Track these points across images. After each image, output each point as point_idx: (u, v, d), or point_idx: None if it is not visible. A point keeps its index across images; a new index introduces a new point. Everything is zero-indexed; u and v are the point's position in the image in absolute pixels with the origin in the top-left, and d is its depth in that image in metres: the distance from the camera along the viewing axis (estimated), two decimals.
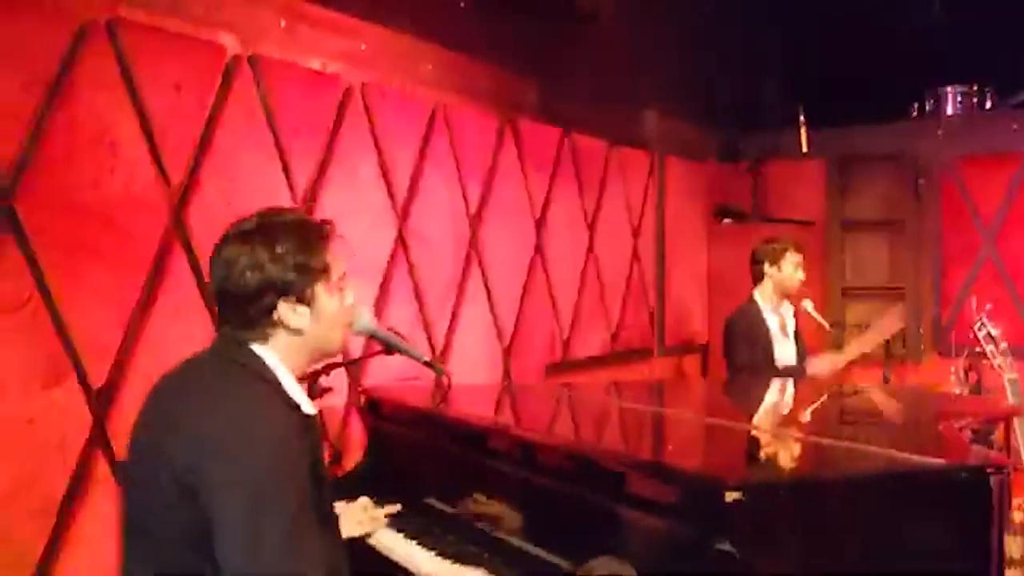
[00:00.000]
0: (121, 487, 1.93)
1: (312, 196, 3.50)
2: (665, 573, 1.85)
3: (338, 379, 3.27)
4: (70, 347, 2.73)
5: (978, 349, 4.17)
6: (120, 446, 2.79)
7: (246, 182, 3.24)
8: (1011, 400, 4.04)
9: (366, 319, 2.54)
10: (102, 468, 2.80)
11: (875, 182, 6.10)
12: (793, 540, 1.80)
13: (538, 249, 4.72)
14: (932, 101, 5.94)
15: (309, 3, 3.53)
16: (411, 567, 2.33)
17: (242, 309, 1.86)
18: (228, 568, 1.68)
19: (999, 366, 4.07)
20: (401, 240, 3.90)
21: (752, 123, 6.34)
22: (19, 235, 2.62)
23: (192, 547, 1.71)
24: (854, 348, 4.61)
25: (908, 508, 1.95)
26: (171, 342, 2.91)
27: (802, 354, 4.64)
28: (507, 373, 4.45)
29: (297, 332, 1.89)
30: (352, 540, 2.38)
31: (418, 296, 3.98)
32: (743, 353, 4.44)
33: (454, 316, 4.17)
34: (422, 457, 2.80)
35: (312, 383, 2.46)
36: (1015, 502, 3.76)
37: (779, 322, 4.57)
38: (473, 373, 4.15)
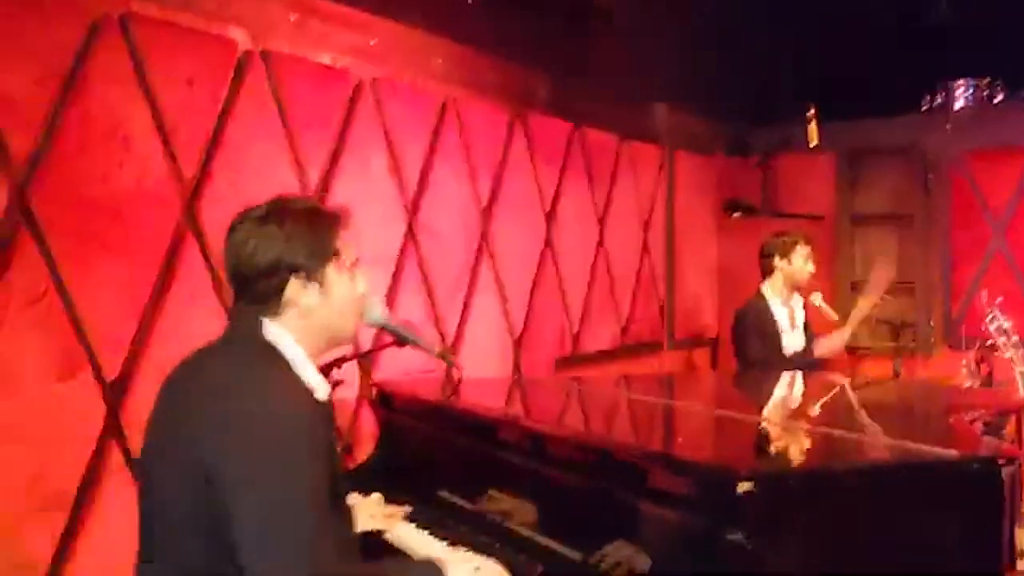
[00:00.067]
0: (138, 477, 1.94)
1: (323, 190, 3.52)
2: (677, 563, 1.85)
3: (349, 372, 3.28)
4: (84, 340, 2.75)
5: (989, 342, 4.16)
6: (134, 438, 2.82)
7: (258, 176, 3.25)
8: (1022, 392, 4.03)
9: (378, 311, 2.55)
10: (116, 459, 2.83)
11: (885, 176, 6.09)
12: (804, 531, 1.81)
13: (548, 243, 4.72)
14: (942, 95, 5.91)
15: None
16: (420, 555, 2.33)
17: (254, 287, 1.88)
18: (244, 553, 1.69)
19: (1011, 358, 4.06)
20: (411, 233, 3.91)
21: (762, 117, 6.33)
22: (34, 229, 2.64)
23: (210, 534, 1.72)
24: (856, 314, 4.61)
25: (919, 499, 1.96)
26: (184, 334, 2.93)
27: (809, 347, 4.64)
28: (517, 366, 4.46)
29: (308, 311, 1.90)
30: (365, 534, 2.39)
31: (428, 289, 3.99)
32: (755, 347, 4.44)
33: (464, 309, 4.18)
34: (434, 449, 2.81)
35: (324, 376, 2.47)
36: None
37: (788, 315, 4.57)
38: (483, 366, 4.16)
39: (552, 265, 4.75)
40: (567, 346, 4.84)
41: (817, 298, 4.61)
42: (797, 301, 4.62)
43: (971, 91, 5.82)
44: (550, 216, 4.74)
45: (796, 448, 2.39)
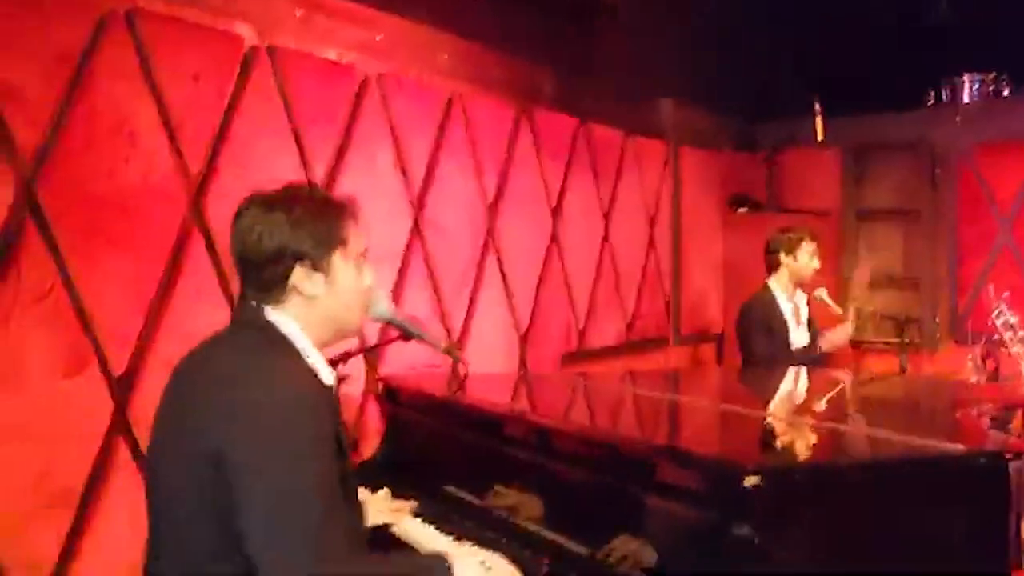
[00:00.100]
0: (145, 472, 1.95)
1: (329, 185, 3.52)
2: (683, 558, 1.86)
3: (355, 367, 3.29)
4: (91, 335, 2.76)
5: (996, 337, 4.15)
6: (141, 433, 2.82)
7: (264, 171, 3.25)
8: None
9: (384, 305, 2.55)
10: (123, 455, 2.83)
11: (891, 171, 6.08)
12: (811, 525, 1.80)
13: (554, 238, 4.72)
14: (949, 89, 5.91)
15: None
16: (426, 549, 2.34)
17: (259, 274, 1.87)
18: (251, 542, 1.69)
19: (1017, 353, 4.06)
20: (417, 229, 3.91)
21: (768, 112, 6.32)
22: (41, 224, 2.65)
23: (218, 524, 1.72)
24: (851, 309, 4.61)
25: (926, 494, 1.95)
26: (191, 329, 2.92)
27: (814, 342, 4.63)
28: (523, 362, 4.46)
29: (312, 300, 1.90)
30: (373, 528, 2.40)
31: (434, 285, 3.99)
32: (761, 342, 4.44)
33: (470, 305, 4.19)
34: (440, 444, 2.81)
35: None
36: None
37: (793, 310, 4.57)
38: (489, 362, 4.17)
39: (558, 261, 4.75)
40: (573, 342, 4.84)
41: (822, 293, 4.61)
42: (801, 297, 4.62)
43: (977, 85, 5.81)
44: (556, 212, 4.74)
45: (802, 443, 2.39)
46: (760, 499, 1.73)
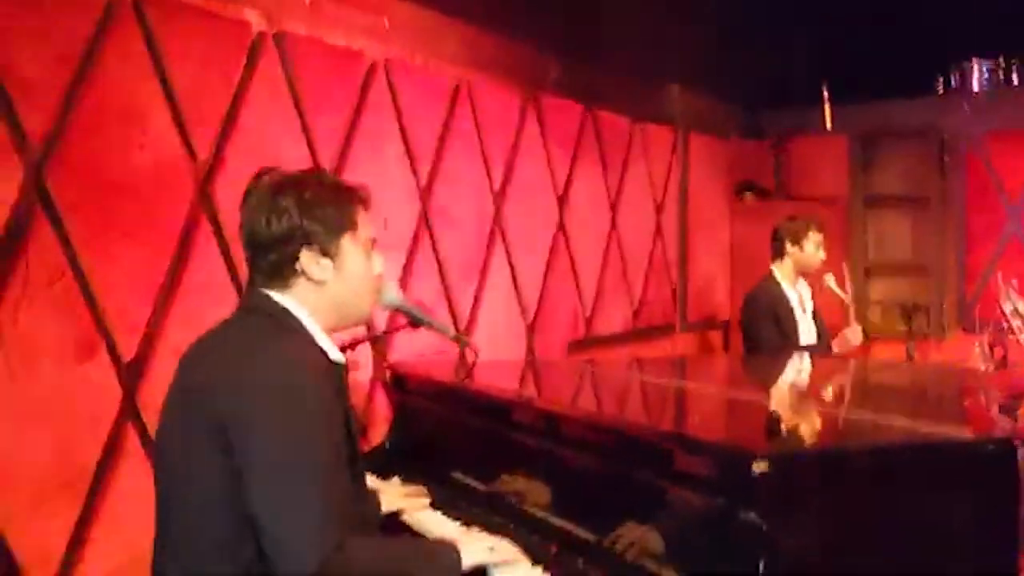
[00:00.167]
0: (154, 457, 1.95)
1: (336, 172, 3.52)
2: (691, 544, 1.86)
3: (363, 354, 3.30)
4: (100, 322, 2.76)
5: (1004, 325, 4.14)
6: (150, 419, 2.83)
7: (271, 158, 3.21)
8: None
9: (392, 293, 2.55)
10: (132, 441, 2.84)
11: (899, 158, 6.06)
12: (818, 511, 1.81)
13: (561, 226, 4.72)
14: (958, 76, 5.88)
15: None
16: (435, 535, 2.34)
17: (267, 256, 1.88)
18: (259, 516, 1.70)
19: None
20: (425, 217, 3.91)
21: (776, 99, 6.30)
22: (50, 211, 2.65)
23: (227, 505, 1.73)
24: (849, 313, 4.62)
25: (934, 481, 1.95)
26: (200, 315, 2.93)
27: (821, 331, 4.63)
28: (530, 349, 4.46)
29: (320, 284, 1.90)
30: (386, 515, 2.41)
31: (442, 272, 3.99)
32: (768, 331, 4.42)
33: (478, 292, 4.19)
34: (448, 431, 2.82)
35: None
36: None
37: (797, 299, 4.56)
38: (497, 349, 4.17)
39: (565, 248, 4.74)
40: (580, 329, 4.84)
41: (830, 280, 4.60)
42: (804, 287, 4.61)
43: (987, 72, 5.78)
44: (563, 199, 4.73)
45: (810, 429, 2.39)
46: (768, 486, 1.73)
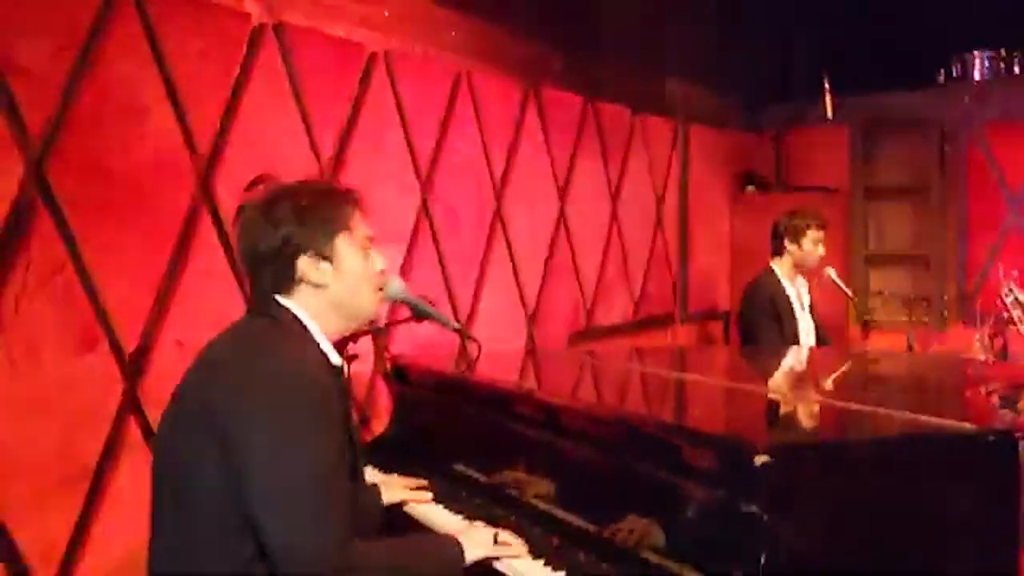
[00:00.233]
0: (154, 454, 1.96)
1: (337, 162, 3.52)
2: (693, 536, 1.86)
3: (364, 346, 3.29)
4: (102, 313, 2.76)
5: (1004, 316, 4.14)
6: (152, 411, 2.84)
7: (272, 149, 3.25)
8: None
9: (396, 286, 2.55)
10: (134, 433, 2.84)
11: (900, 149, 6.04)
12: (820, 503, 1.81)
13: (561, 217, 4.71)
14: (959, 67, 5.86)
15: None
16: (437, 528, 2.35)
17: (266, 268, 1.90)
18: (260, 515, 1.70)
19: None
20: (425, 208, 3.91)
21: (776, 90, 6.29)
22: (51, 202, 2.65)
23: (226, 506, 1.73)
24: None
25: (935, 472, 1.96)
26: (200, 307, 2.94)
27: (819, 328, 4.62)
28: (531, 340, 4.46)
29: (321, 288, 1.92)
30: (388, 506, 2.42)
31: (442, 264, 3.99)
32: (767, 326, 4.40)
33: (478, 284, 4.19)
34: (449, 423, 2.83)
35: (340, 350, 2.49)
36: None
37: (796, 295, 4.56)
38: (497, 340, 4.16)
39: (565, 239, 4.74)
40: (580, 320, 4.84)
41: (831, 272, 4.59)
42: (802, 283, 4.60)
43: (988, 62, 5.76)
44: (563, 190, 4.73)
45: (812, 421, 2.40)
46: (770, 478, 1.73)
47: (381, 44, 3.72)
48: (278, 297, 1.92)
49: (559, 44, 4.67)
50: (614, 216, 5.13)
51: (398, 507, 2.45)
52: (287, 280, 1.91)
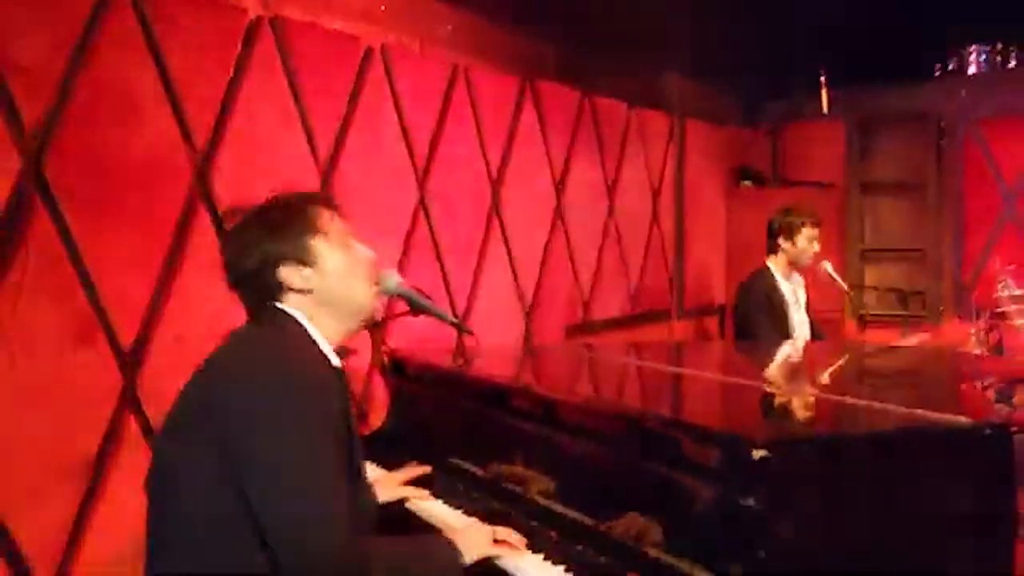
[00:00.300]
0: (153, 453, 1.96)
1: (333, 157, 3.51)
2: (691, 530, 1.87)
3: (361, 341, 3.30)
4: (99, 308, 2.76)
5: (999, 309, 4.16)
6: (149, 406, 2.84)
7: (268, 143, 3.25)
8: None
9: (393, 280, 2.55)
10: (132, 427, 2.85)
11: (896, 143, 6.05)
12: (817, 497, 1.81)
13: (558, 211, 4.72)
14: (955, 61, 5.86)
15: None
16: (436, 523, 2.36)
17: (254, 285, 1.96)
18: (262, 514, 1.70)
19: (1021, 326, 4.07)
20: (422, 202, 3.91)
21: (773, 86, 6.29)
22: (47, 197, 2.65)
23: (224, 502, 1.73)
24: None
25: (931, 466, 1.96)
26: (198, 302, 2.94)
27: (814, 325, 4.63)
28: (528, 334, 4.47)
29: (308, 292, 1.96)
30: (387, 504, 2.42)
31: (439, 258, 3.99)
32: (762, 323, 4.40)
33: (475, 278, 4.19)
34: (446, 417, 2.83)
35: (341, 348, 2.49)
36: None
37: (791, 292, 4.56)
38: (494, 334, 4.17)
39: (562, 233, 4.74)
40: (577, 314, 4.85)
41: (828, 267, 4.60)
42: (798, 280, 4.61)
43: (985, 56, 5.76)
44: (560, 184, 4.73)
45: (810, 415, 2.40)
46: (768, 472, 1.73)
47: (378, 38, 3.71)
48: (275, 303, 1.96)
49: (556, 38, 4.67)
50: (610, 210, 5.13)
51: (397, 504, 2.45)
52: (275, 291, 1.96)
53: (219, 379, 1.83)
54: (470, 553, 1.98)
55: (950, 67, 5.89)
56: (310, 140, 3.43)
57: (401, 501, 2.47)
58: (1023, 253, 5.29)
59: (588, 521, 2.11)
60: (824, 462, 1.86)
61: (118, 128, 2.82)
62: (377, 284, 2.14)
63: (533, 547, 2.09)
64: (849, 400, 2.52)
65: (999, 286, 4.12)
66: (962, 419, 2.15)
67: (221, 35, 3.12)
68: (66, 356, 2.68)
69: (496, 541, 2.06)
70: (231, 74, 3.15)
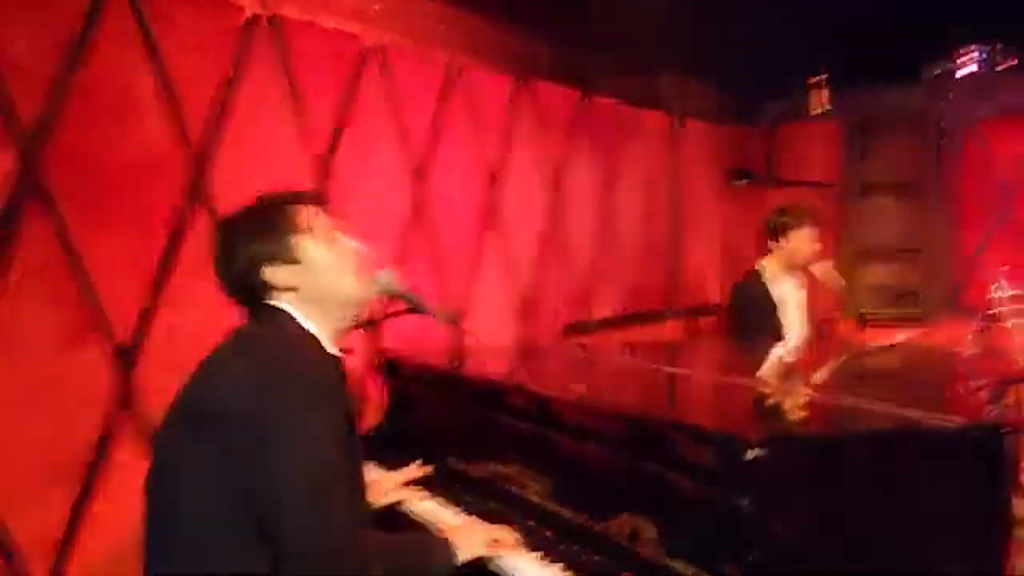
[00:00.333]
0: (153, 454, 1.96)
1: (330, 155, 3.52)
2: (685, 529, 1.88)
3: (356, 340, 3.29)
4: (95, 307, 2.77)
5: (994, 310, 4.16)
6: (144, 404, 2.84)
7: (265, 142, 3.26)
8: None
9: (389, 279, 2.55)
10: (127, 426, 2.85)
11: (894, 143, 6.05)
12: (810, 497, 1.82)
13: (554, 210, 4.72)
14: (953, 61, 5.86)
15: None
16: (432, 523, 2.36)
17: (245, 292, 1.97)
18: (269, 514, 1.70)
19: (1015, 327, 4.07)
20: (418, 201, 3.91)
21: (770, 85, 6.29)
22: (43, 196, 2.65)
23: (224, 502, 1.73)
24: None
25: (923, 466, 1.97)
26: (193, 302, 2.94)
27: (809, 325, 4.62)
28: (524, 334, 4.47)
29: (296, 289, 1.96)
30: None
31: (436, 256, 4.00)
32: (754, 325, 4.40)
33: (472, 276, 4.19)
34: (442, 417, 2.83)
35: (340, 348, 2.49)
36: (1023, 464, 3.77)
37: (788, 290, 4.56)
38: (491, 333, 4.18)
39: (558, 232, 4.75)
40: (573, 313, 4.85)
41: (825, 266, 4.60)
42: (794, 279, 4.60)
43: (981, 56, 5.77)
44: (556, 183, 4.74)
45: (803, 415, 2.41)
46: (761, 472, 1.74)
47: (375, 37, 3.72)
48: (270, 301, 1.95)
49: (552, 37, 4.67)
50: (607, 210, 5.13)
51: (395, 504, 2.46)
52: (265, 292, 1.96)
53: (221, 379, 1.83)
54: (466, 552, 1.99)
55: (949, 67, 5.88)
56: (307, 138, 3.43)
57: (399, 502, 2.47)
58: (1018, 254, 5.31)
59: (584, 520, 2.12)
60: (817, 462, 1.87)
61: (115, 126, 2.83)
62: (367, 275, 2.14)
63: (529, 545, 2.09)
64: (843, 400, 2.53)
65: (993, 287, 4.12)
66: (955, 419, 2.16)
67: (219, 33, 3.13)
68: (61, 354, 2.69)
69: (492, 540, 2.06)
70: (228, 72, 3.15)
